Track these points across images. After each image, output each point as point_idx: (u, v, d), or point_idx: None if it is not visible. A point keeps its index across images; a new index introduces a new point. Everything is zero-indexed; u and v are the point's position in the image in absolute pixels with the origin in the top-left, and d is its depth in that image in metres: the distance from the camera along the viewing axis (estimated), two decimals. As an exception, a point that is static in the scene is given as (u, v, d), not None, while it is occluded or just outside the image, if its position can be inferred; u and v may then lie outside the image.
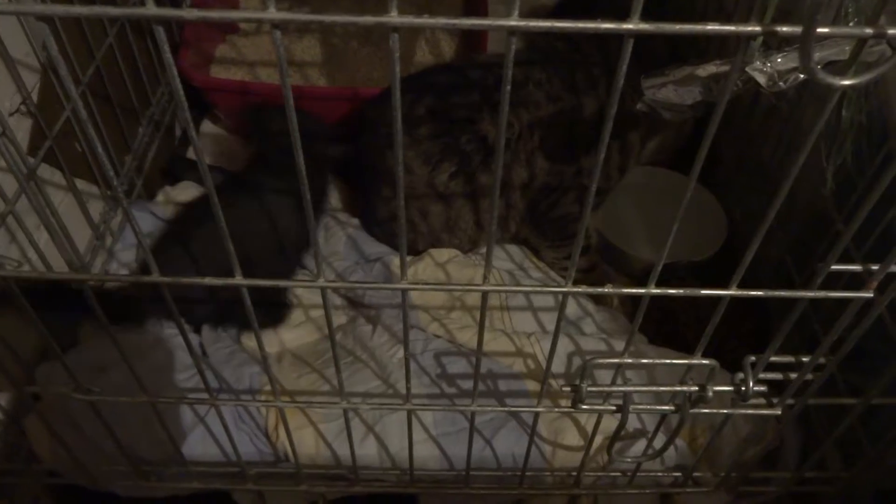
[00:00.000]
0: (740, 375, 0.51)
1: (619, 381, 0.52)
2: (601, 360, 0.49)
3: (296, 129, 0.33)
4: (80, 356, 0.72)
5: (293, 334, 0.78)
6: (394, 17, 0.30)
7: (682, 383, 0.51)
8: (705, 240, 0.94)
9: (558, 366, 0.73)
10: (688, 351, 0.79)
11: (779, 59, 0.56)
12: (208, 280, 0.43)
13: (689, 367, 0.50)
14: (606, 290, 0.46)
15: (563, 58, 0.80)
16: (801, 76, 0.60)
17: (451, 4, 1.30)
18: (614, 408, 0.53)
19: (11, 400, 0.70)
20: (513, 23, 0.30)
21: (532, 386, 0.71)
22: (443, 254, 0.84)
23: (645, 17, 0.30)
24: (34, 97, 0.74)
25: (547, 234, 0.85)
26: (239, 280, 0.43)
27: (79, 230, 0.82)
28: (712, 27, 0.30)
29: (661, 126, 0.84)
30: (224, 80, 1.07)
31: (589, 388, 0.50)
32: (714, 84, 0.58)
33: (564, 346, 0.74)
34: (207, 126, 1.14)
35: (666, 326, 0.88)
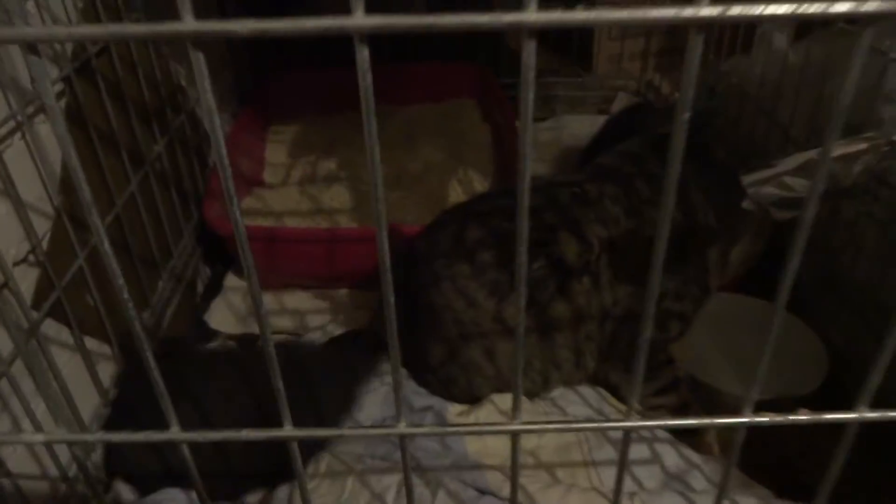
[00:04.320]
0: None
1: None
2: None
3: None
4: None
5: None
6: (531, 15, 0.21)
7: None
8: (805, 372, 0.81)
9: (672, 535, 0.58)
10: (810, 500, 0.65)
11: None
12: (245, 433, 0.31)
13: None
14: (783, 418, 0.34)
15: (632, 173, 0.72)
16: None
17: (480, 144, 1.27)
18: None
19: None
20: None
21: (645, 564, 0.56)
22: (506, 400, 0.71)
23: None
24: (43, 245, 0.67)
25: (631, 369, 0.72)
26: (289, 431, 0.31)
27: (85, 394, 0.71)
28: None
29: (741, 233, 0.75)
30: (251, 228, 1.00)
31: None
32: (843, 168, 0.49)
33: (677, 507, 0.59)
34: (232, 280, 1.06)
35: (781, 475, 0.74)
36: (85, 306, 0.73)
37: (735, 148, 1.06)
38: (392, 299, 0.30)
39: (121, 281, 0.30)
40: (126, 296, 0.30)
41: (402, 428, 0.31)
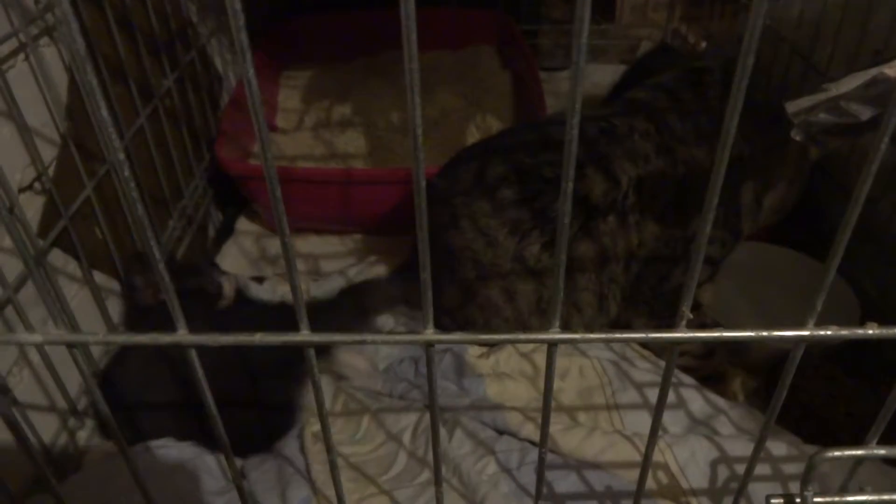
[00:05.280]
0: None
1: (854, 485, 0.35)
2: (836, 453, 0.33)
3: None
4: (78, 486, 0.56)
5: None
6: None
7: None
8: (835, 322, 0.78)
9: (698, 478, 0.56)
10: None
11: None
12: (259, 337, 0.29)
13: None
14: (848, 332, 0.31)
15: (665, 108, 0.68)
16: None
17: (500, 91, 1.23)
18: (844, 528, 0.36)
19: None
20: None
21: (669, 507, 0.54)
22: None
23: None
24: (50, 172, 0.64)
25: (656, 314, 0.69)
26: (305, 336, 0.28)
27: (94, 329, 0.69)
28: None
29: (777, 178, 0.71)
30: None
31: (818, 500, 0.33)
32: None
33: (704, 450, 0.57)
34: (244, 224, 1.03)
35: (807, 425, 0.71)
36: (93, 239, 0.71)
37: (767, 92, 1.02)
38: (424, 201, 0.27)
39: (135, 193, 0.28)
40: (141, 211, 0.27)
41: (429, 334, 0.28)
